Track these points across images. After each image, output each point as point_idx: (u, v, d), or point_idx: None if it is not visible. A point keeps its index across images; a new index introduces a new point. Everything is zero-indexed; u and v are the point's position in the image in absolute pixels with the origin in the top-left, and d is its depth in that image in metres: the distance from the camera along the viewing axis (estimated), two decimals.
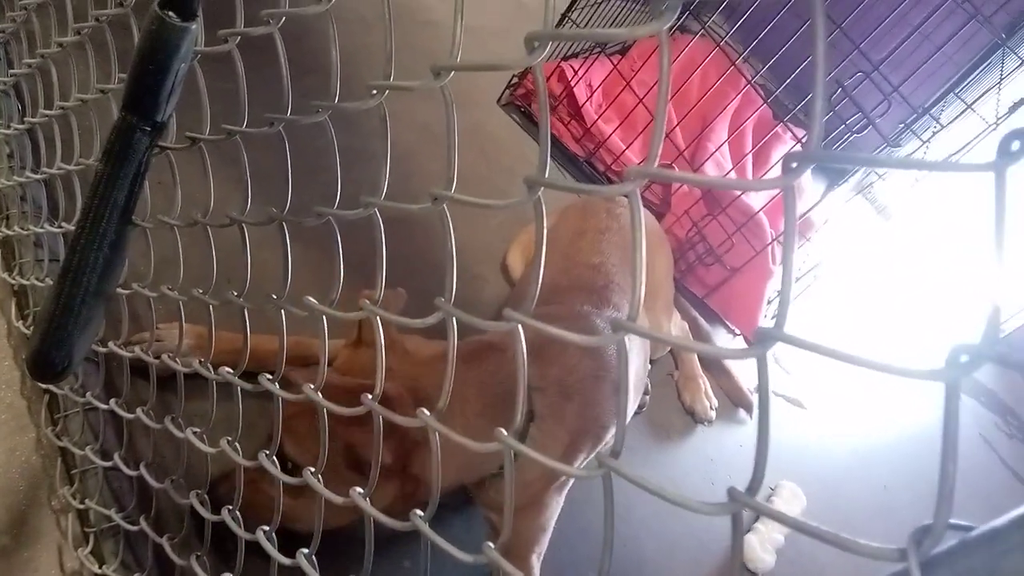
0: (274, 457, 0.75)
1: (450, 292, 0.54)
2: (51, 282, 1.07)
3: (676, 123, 2.67)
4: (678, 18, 3.05)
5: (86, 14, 0.94)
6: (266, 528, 0.74)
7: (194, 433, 0.83)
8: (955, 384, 0.30)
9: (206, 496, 0.84)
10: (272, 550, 0.71)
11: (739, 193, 2.41)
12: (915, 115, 2.18)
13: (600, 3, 2.72)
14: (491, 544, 0.53)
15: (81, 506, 1.01)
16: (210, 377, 0.80)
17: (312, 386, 0.68)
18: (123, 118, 0.62)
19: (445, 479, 0.59)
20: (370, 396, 0.62)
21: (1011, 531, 0.30)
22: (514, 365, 0.49)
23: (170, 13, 0.58)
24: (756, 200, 2.46)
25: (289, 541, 0.75)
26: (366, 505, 0.62)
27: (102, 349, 1.00)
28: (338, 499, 0.64)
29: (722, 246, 2.40)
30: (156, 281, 0.90)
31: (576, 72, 2.70)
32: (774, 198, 2.41)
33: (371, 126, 0.58)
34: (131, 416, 0.94)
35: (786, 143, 3.20)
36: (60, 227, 1.07)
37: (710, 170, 2.72)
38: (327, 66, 0.59)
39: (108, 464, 0.99)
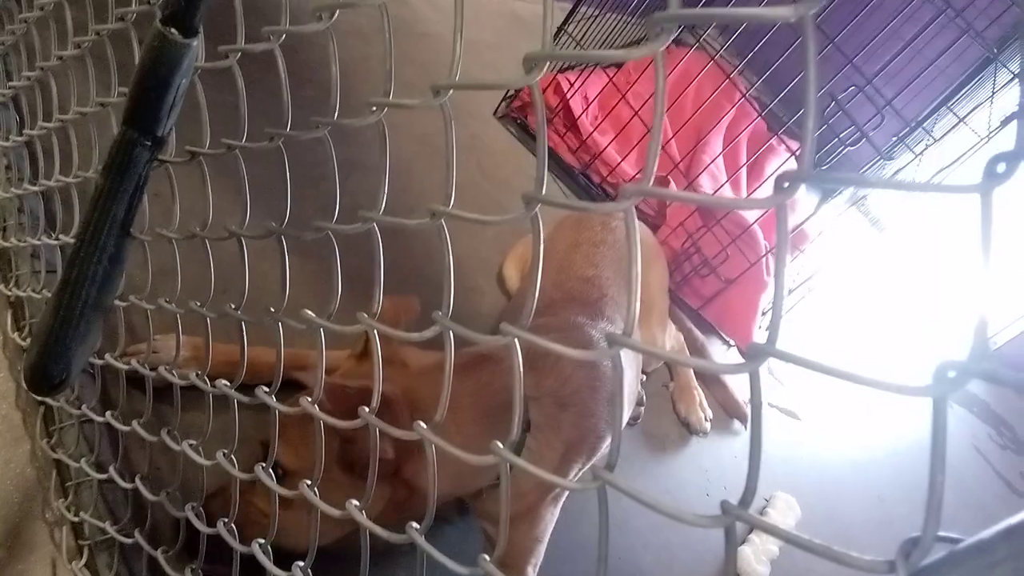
0: (271, 470, 0.75)
1: (448, 306, 0.54)
2: (48, 294, 1.08)
3: (671, 135, 2.69)
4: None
5: (87, 27, 0.95)
6: (262, 541, 0.74)
7: (190, 445, 0.83)
8: (942, 400, 0.30)
9: (201, 509, 0.84)
10: (268, 563, 0.72)
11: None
12: (908, 128, 2.20)
13: (596, 17, 2.74)
14: (487, 556, 0.53)
15: (75, 519, 1.01)
16: (206, 389, 0.81)
17: (309, 399, 0.68)
18: (124, 132, 0.63)
19: (439, 490, 0.59)
20: (367, 409, 0.63)
21: (999, 543, 0.31)
22: (509, 376, 0.50)
23: (172, 30, 0.58)
24: (751, 212, 2.47)
25: (284, 554, 0.75)
26: (362, 518, 0.63)
27: (98, 361, 1.00)
28: (335, 512, 0.64)
29: (717, 258, 2.41)
30: (154, 293, 0.90)
31: (572, 84, 2.71)
32: (768, 211, 2.42)
33: (369, 137, 0.58)
34: (127, 428, 0.94)
35: (780, 155, 3.22)
36: (58, 239, 1.07)
37: (705, 182, 2.73)
38: (325, 78, 0.60)
39: (103, 476, 0.99)
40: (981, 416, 3.22)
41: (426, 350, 1.17)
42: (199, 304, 0.82)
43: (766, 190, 2.61)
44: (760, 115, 2.59)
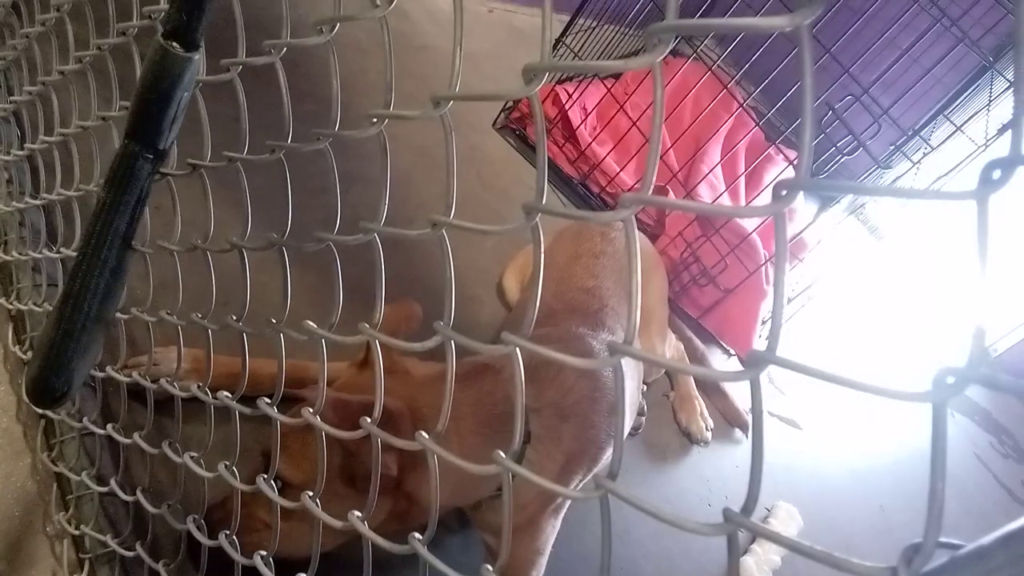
0: (272, 481, 0.75)
1: (449, 316, 0.54)
2: (49, 307, 1.08)
3: (670, 145, 2.70)
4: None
5: (88, 42, 0.95)
6: (264, 553, 0.74)
7: (191, 458, 0.83)
8: (942, 405, 0.31)
9: (203, 521, 0.84)
10: (270, 575, 0.71)
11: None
12: (905, 137, 2.21)
13: (594, 29, 2.76)
14: (489, 567, 0.53)
15: (76, 532, 1.00)
16: (208, 401, 0.81)
17: (311, 410, 0.68)
18: (126, 146, 0.63)
19: (440, 500, 0.59)
20: (369, 419, 0.63)
21: (998, 549, 0.31)
22: (510, 387, 0.50)
23: (174, 44, 0.59)
24: (749, 222, 2.48)
25: (282, 561, 0.75)
26: (364, 529, 0.63)
27: (99, 374, 1.01)
28: (337, 523, 0.64)
29: (716, 267, 2.42)
30: (155, 306, 0.90)
31: (570, 95, 2.73)
32: (767, 220, 2.43)
33: (369, 150, 0.59)
34: (128, 441, 0.94)
35: (778, 164, 3.23)
36: (59, 252, 1.07)
37: (703, 192, 2.74)
38: (326, 92, 0.60)
39: (104, 490, 0.99)
40: (982, 425, 3.22)
41: (428, 360, 1.18)
42: (200, 316, 0.83)
43: (764, 199, 2.61)
44: (758, 124, 2.60)
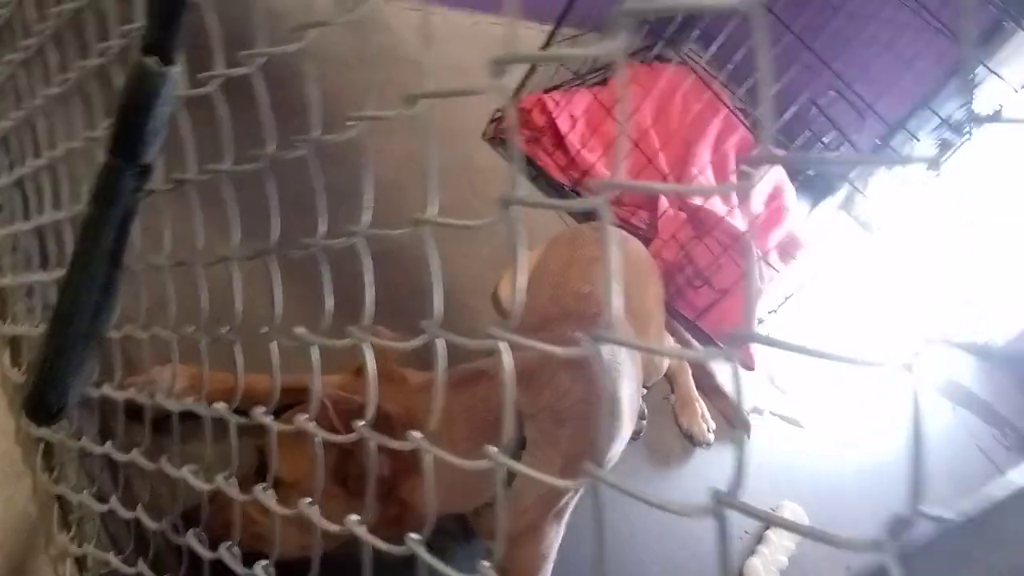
0: (271, 490, 0.75)
1: (437, 313, 0.55)
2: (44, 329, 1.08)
3: (659, 148, 2.71)
4: (651, 47, 3.10)
5: (69, 65, 0.96)
6: (265, 562, 0.74)
7: (190, 471, 0.84)
8: (916, 372, 0.31)
9: (204, 535, 0.84)
10: None
11: (723, 215, 2.44)
12: (889, 132, 2.22)
13: (577, 37, 2.77)
14: (486, 563, 0.53)
15: (79, 551, 1.00)
16: (203, 413, 0.81)
17: (306, 416, 0.69)
18: (109, 161, 0.64)
19: (434, 503, 0.59)
20: (362, 422, 0.63)
21: (984, 517, 0.32)
22: (508, 374, 0.50)
23: (152, 59, 0.60)
24: (742, 221, 2.49)
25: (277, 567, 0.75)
26: (363, 532, 0.63)
27: (96, 393, 1.01)
28: (333, 527, 0.64)
29: (710, 268, 2.42)
30: (148, 323, 0.91)
31: (558, 103, 2.74)
32: (758, 218, 2.44)
33: (352, 164, 0.60)
34: (126, 458, 0.94)
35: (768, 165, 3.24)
36: (51, 274, 1.08)
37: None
38: (308, 106, 0.61)
39: (105, 508, 0.99)
40: (986, 418, 3.21)
41: (426, 371, 1.18)
42: (193, 329, 0.83)
43: (758, 200, 2.63)
44: (746, 125, 2.61)
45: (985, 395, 3.39)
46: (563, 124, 2.72)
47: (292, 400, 1.08)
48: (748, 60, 2.26)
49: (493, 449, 0.51)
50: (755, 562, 1.69)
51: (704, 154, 3.05)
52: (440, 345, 0.55)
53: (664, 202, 2.66)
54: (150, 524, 0.90)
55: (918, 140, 2.14)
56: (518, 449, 1.11)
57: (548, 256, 1.73)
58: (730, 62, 2.33)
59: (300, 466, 0.94)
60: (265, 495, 0.74)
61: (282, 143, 0.66)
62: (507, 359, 0.50)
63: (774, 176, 2.52)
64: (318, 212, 0.65)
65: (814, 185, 2.47)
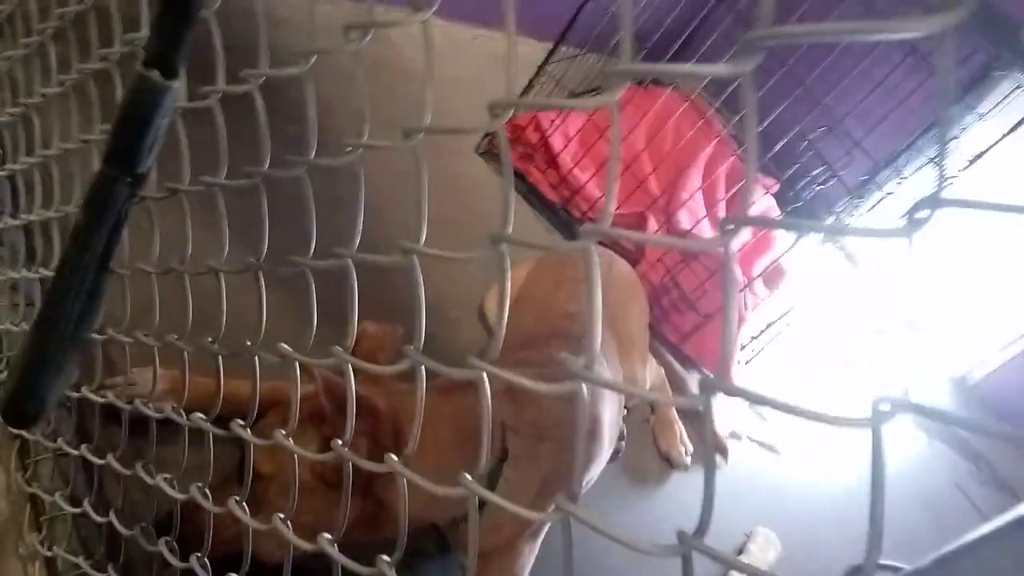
0: (244, 504, 0.75)
1: (419, 341, 0.56)
2: (26, 327, 1.08)
3: (650, 172, 2.73)
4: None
5: (70, 64, 0.96)
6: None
7: (165, 479, 0.84)
8: (878, 431, 0.32)
9: (175, 543, 0.84)
10: None
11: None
12: (877, 168, 2.25)
13: (576, 56, 2.80)
14: None
15: (49, 553, 1.00)
16: (182, 423, 0.81)
17: (284, 432, 0.69)
18: (104, 170, 0.64)
19: (411, 512, 0.60)
20: (340, 442, 0.64)
21: (934, 570, 0.33)
22: (486, 404, 0.51)
23: (154, 72, 0.60)
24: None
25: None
26: (334, 552, 0.63)
27: (75, 394, 1.01)
28: (307, 546, 0.64)
29: (695, 292, 2.44)
30: (131, 326, 0.91)
31: (552, 122, 2.76)
32: (745, 245, 2.46)
33: (349, 172, 0.60)
34: (102, 462, 0.94)
35: (756, 192, 3.28)
36: (37, 272, 1.07)
37: (683, 218, 2.77)
38: (308, 116, 0.62)
39: (77, 511, 0.98)
40: (961, 452, 3.24)
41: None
42: (176, 338, 0.83)
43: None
44: (736, 153, 2.64)
45: (962, 430, 3.43)
46: (556, 143, 2.74)
47: (275, 403, 1.09)
48: (741, 88, 2.29)
49: (467, 477, 0.52)
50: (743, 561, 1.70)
51: (695, 179, 3.08)
52: (422, 371, 0.55)
53: (653, 225, 2.68)
54: (122, 529, 0.89)
55: (904, 178, 2.17)
56: (500, 461, 1.12)
57: (535, 274, 1.74)
58: (724, 89, 2.36)
59: (278, 458, 0.94)
60: (237, 506, 0.74)
61: (277, 155, 0.67)
62: (486, 390, 0.51)
63: (761, 204, 2.55)
64: (308, 232, 0.66)
65: (800, 216, 2.51)
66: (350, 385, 0.62)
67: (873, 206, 2.41)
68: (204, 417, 0.78)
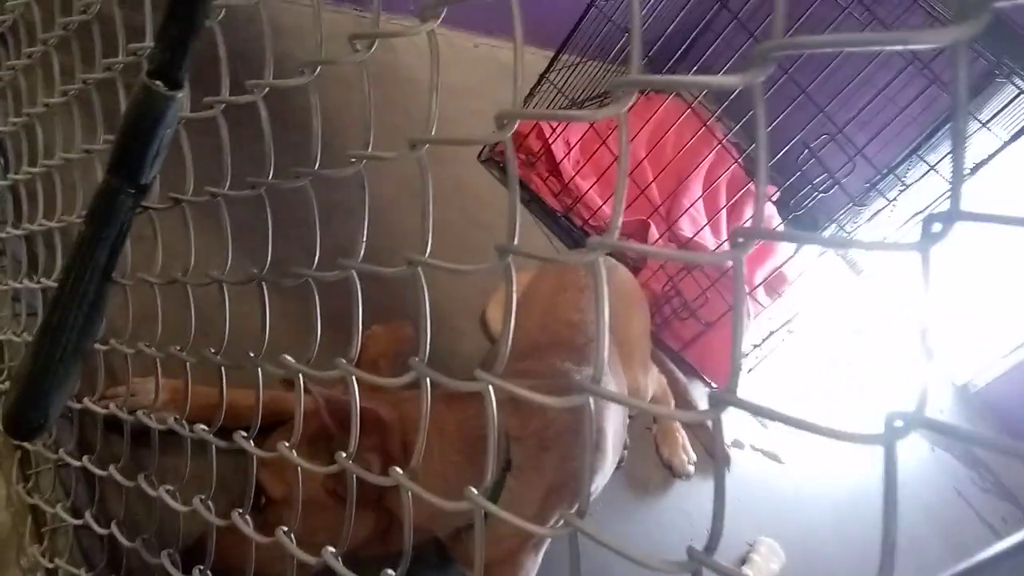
0: (247, 517, 0.75)
1: (424, 352, 0.55)
2: (28, 337, 1.08)
3: (652, 180, 2.74)
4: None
5: (73, 73, 0.96)
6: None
7: (167, 491, 0.83)
8: (891, 448, 0.32)
9: (178, 557, 0.84)
10: None
11: (713, 248, 2.46)
12: (879, 175, 2.25)
13: (578, 64, 2.80)
14: None
15: (50, 565, 0.99)
16: (185, 434, 0.81)
17: (287, 444, 0.69)
18: (108, 181, 0.64)
19: (417, 522, 0.60)
20: (344, 454, 0.63)
21: None
22: (492, 418, 0.51)
23: (158, 83, 0.60)
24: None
25: None
26: (338, 565, 0.63)
27: (76, 405, 1.00)
28: (311, 560, 0.64)
29: (697, 300, 2.44)
30: (134, 337, 0.91)
31: (554, 129, 2.76)
32: (747, 254, 2.45)
33: (351, 180, 0.60)
34: (103, 473, 0.93)
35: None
36: (39, 282, 1.07)
37: (685, 225, 2.77)
38: (310, 124, 0.62)
39: (79, 522, 0.98)
40: (963, 460, 3.23)
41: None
42: (179, 348, 0.83)
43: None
44: (736, 161, 2.64)
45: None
46: (558, 151, 2.74)
47: (278, 417, 1.09)
48: (741, 96, 2.29)
49: (474, 491, 0.51)
50: (747, 572, 1.69)
51: (696, 187, 3.08)
52: (427, 383, 0.55)
53: (654, 232, 2.68)
54: (124, 541, 0.89)
55: (907, 186, 2.17)
56: (504, 471, 1.12)
57: (538, 282, 1.74)
58: (724, 98, 2.36)
59: (289, 479, 0.93)
60: (241, 521, 0.74)
61: (279, 163, 0.67)
62: (491, 401, 0.51)
63: (763, 212, 2.54)
64: (311, 241, 0.66)
65: (801, 223, 2.51)
66: (354, 397, 0.62)
67: (875, 214, 2.41)
68: (207, 428, 0.78)
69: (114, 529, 0.91)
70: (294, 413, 0.71)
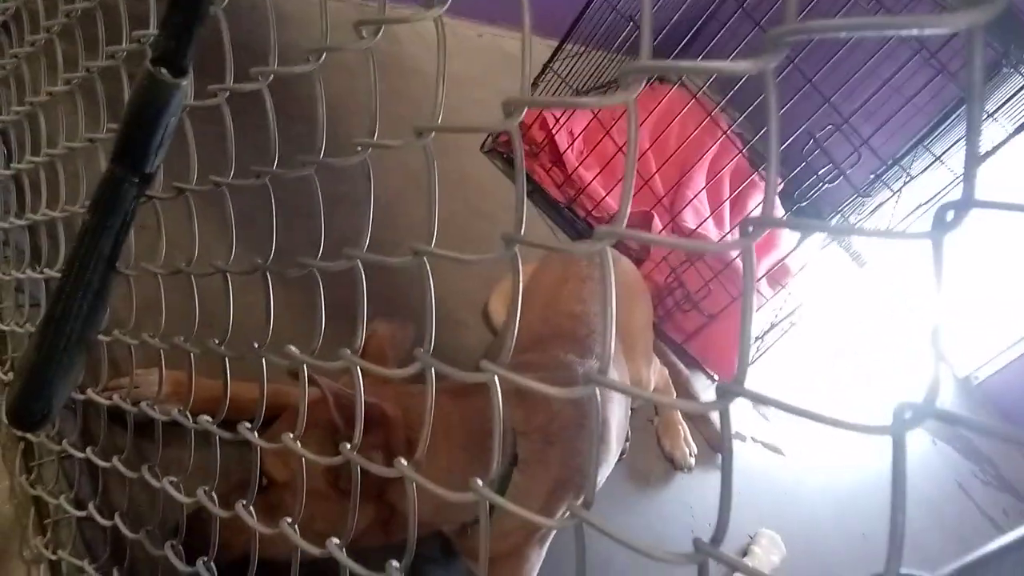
0: (251, 508, 0.74)
1: (429, 343, 0.55)
2: (31, 328, 1.08)
3: (655, 171, 2.73)
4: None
5: (77, 62, 0.96)
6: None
7: (171, 483, 0.83)
8: (900, 439, 0.32)
9: (180, 548, 0.84)
10: None
11: (716, 241, 2.45)
12: (885, 166, 2.24)
13: (582, 54, 2.79)
14: None
15: (53, 556, 0.99)
16: (188, 426, 0.81)
17: (292, 435, 0.68)
18: (112, 170, 0.64)
19: (421, 516, 0.59)
20: (348, 445, 0.63)
21: None
22: (497, 408, 0.51)
23: (162, 70, 0.60)
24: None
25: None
26: (343, 557, 0.63)
27: (80, 396, 1.00)
28: (315, 550, 0.64)
29: (699, 292, 2.43)
30: (137, 327, 0.90)
31: (558, 120, 2.75)
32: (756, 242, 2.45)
33: (357, 170, 0.60)
34: (107, 465, 0.93)
35: (762, 190, 3.27)
36: (42, 273, 1.07)
37: (688, 217, 2.76)
38: (314, 113, 0.61)
39: (82, 514, 0.98)
40: (964, 453, 3.23)
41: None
42: (183, 339, 0.83)
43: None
44: (741, 152, 2.63)
45: (965, 430, 3.41)
46: (562, 141, 2.73)
47: (281, 410, 1.09)
48: (746, 86, 2.28)
49: (479, 483, 0.51)
50: (747, 563, 1.70)
51: (699, 177, 3.07)
52: (432, 373, 0.55)
53: (657, 223, 2.67)
54: (127, 533, 0.89)
55: (912, 177, 2.16)
56: (510, 465, 1.12)
57: (540, 274, 1.73)
58: (729, 87, 2.35)
59: (292, 466, 0.93)
60: (244, 511, 0.73)
61: (283, 153, 0.66)
62: (497, 391, 0.50)
63: (773, 200, 2.54)
64: (315, 231, 0.65)
65: (805, 214, 2.50)
66: (359, 387, 0.62)
67: (879, 205, 2.40)
68: (211, 420, 0.78)
69: (117, 521, 0.91)
70: (299, 404, 0.70)
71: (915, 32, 0.26)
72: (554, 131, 2.73)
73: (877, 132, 2.32)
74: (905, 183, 2.21)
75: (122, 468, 0.90)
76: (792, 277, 2.53)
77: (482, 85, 2.95)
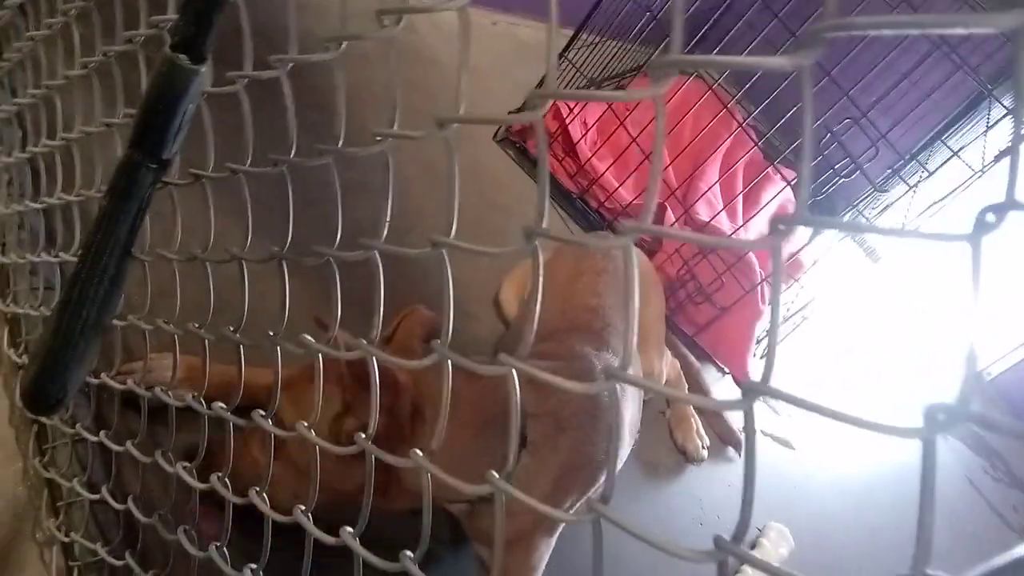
0: (264, 495, 0.75)
1: (447, 335, 0.55)
2: (46, 311, 1.08)
3: (669, 163, 2.71)
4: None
5: (94, 46, 0.96)
6: (254, 566, 0.74)
7: (184, 468, 0.83)
8: (931, 442, 0.31)
9: (194, 533, 0.84)
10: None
11: (729, 234, 2.44)
12: (902, 161, 2.22)
13: (597, 44, 2.77)
14: None
15: (66, 539, 1.00)
16: (202, 412, 0.81)
17: (306, 424, 0.68)
18: (129, 155, 0.64)
19: (420, 487, 0.60)
20: (363, 435, 0.63)
21: None
22: (515, 403, 0.50)
23: (181, 56, 0.59)
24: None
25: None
26: (356, 545, 0.62)
27: (94, 380, 1.00)
28: (308, 507, 0.64)
29: (712, 285, 2.42)
30: (152, 313, 0.90)
31: (571, 110, 2.74)
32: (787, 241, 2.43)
33: (372, 159, 0.59)
34: (120, 449, 0.93)
35: (776, 184, 3.24)
36: (57, 256, 1.07)
37: (701, 209, 2.75)
38: (331, 102, 0.61)
39: (95, 497, 0.98)
40: (975, 449, 3.22)
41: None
42: (197, 325, 0.83)
43: (762, 217, 2.63)
44: (756, 144, 2.61)
45: (976, 426, 3.39)
46: (575, 131, 2.72)
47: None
48: (763, 79, 2.26)
49: (494, 474, 0.51)
50: (747, 570, 1.69)
51: (713, 170, 3.05)
52: (448, 365, 0.55)
53: (670, 216, 2.66)
54: (140, 516, 0.89)
55: (929, 172, 2.14)
56: (519, 447, 1.11)
57: (554, 266, 1.72)
58: (746, 80, 2.33)
59: (303, 408, 0.93)
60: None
61: (301, 141, 0.66)
62: (514, 384, 0.50)
63: (781, 197, 2.52)
64: (332, 220, 0.65)
65: (820, 209, 2.48)
66: (374, 380, 0.62)
67: (895, 201, 2.38)
68: (224, 406, 0.78)
69: (130, 504, 0.92)
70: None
71: (961, 31, 0.25)
72: (567, 121, 2.72)
73: (895, 126, 2.30)
74: (922, 179, 2.18)
75: (135, 452, 0.90)
76: (805, 271, 2.51)
77: (495, 75, 2.93)
